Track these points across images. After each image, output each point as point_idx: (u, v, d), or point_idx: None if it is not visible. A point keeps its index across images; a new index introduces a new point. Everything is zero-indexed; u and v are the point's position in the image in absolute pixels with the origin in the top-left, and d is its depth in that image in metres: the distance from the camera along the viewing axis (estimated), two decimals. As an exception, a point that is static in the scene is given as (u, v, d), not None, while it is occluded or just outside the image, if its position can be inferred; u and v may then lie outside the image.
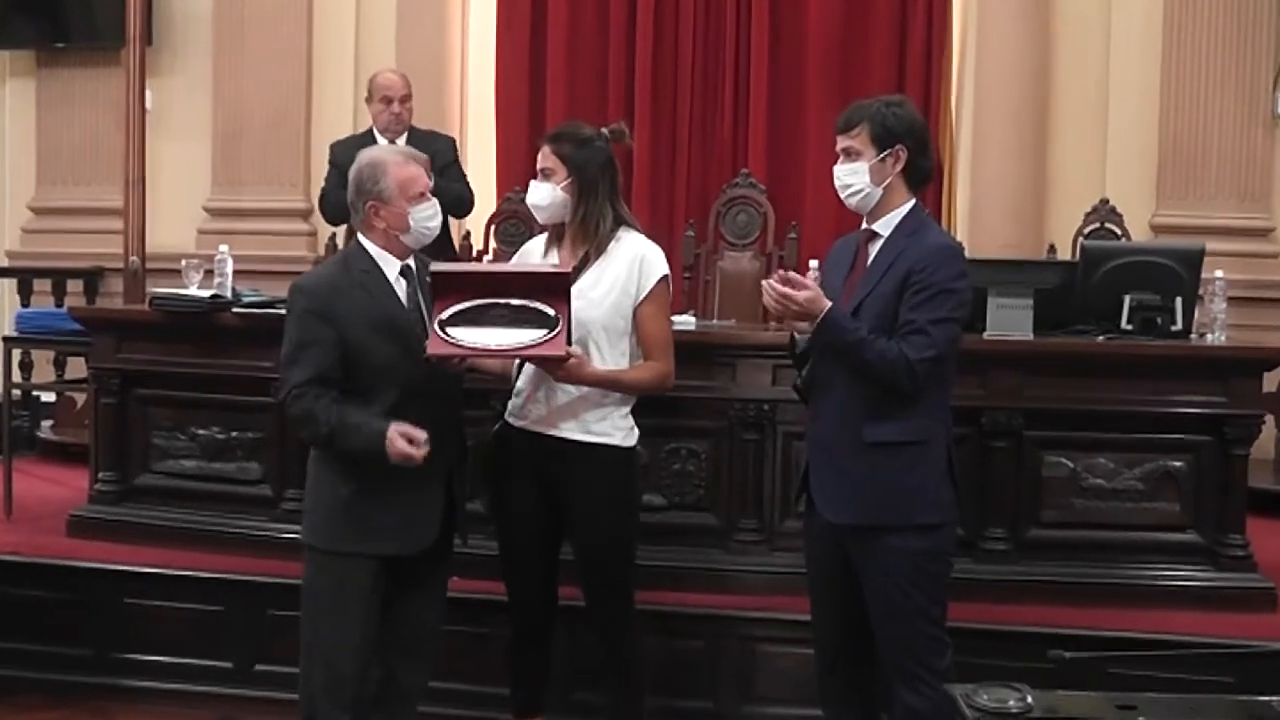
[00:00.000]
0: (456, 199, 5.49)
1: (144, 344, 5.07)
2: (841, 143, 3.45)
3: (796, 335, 3.54)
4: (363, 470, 3.47)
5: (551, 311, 3.44)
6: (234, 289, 5.01)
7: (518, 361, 3.67)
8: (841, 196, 3.48)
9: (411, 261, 3.63)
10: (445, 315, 3.45)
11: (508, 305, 3.45)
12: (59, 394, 7.03)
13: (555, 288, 3.48)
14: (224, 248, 5.12)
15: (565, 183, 3.68)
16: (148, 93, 6.79)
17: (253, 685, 4.66)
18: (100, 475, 5.16)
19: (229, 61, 7.58)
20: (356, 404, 3.47)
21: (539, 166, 3.72)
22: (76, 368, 6.60)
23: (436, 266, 3.55)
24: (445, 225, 5.45)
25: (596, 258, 3.67)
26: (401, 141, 5.47)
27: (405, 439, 3.39)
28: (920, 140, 3.45)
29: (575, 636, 4.14)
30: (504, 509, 3.78)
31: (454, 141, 5.92)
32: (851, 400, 3.39)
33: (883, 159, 3.40)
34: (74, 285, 7.53)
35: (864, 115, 3.42)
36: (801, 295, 3.31)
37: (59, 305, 7.17)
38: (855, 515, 3.39)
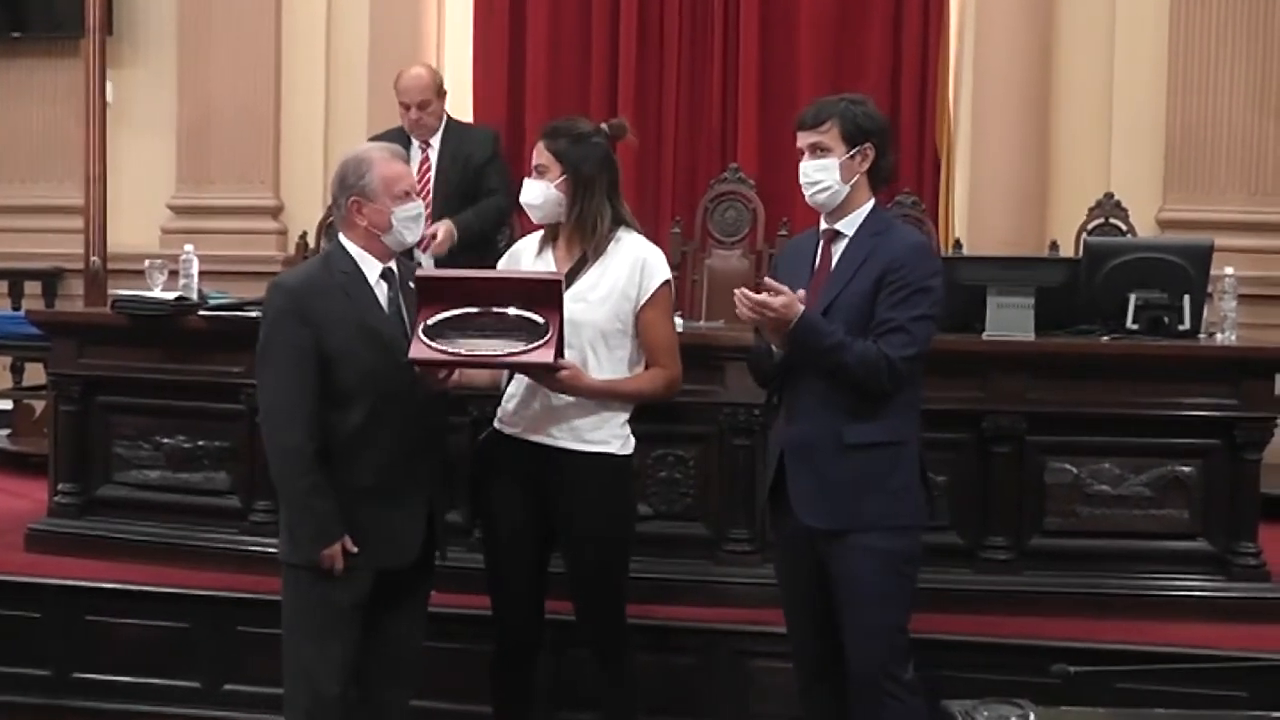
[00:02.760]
0: (495, 213, 5.41)
1: (106, 349, 5.00)
2: (809, 138, 3.48)
3: (775, 347, 3.49)
4: (342, 482, 3.43)
5: (541, 320, 3.37)
6: (200, 291, 4.96)
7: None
8: (808, 194, 3.50)
9: (394, 265, 3.58)
10: (430, 323, 3.38)
11: (495, 314, 3.38)
12: (16, 401, 6.94)
13: (547, 296, 3.40)
14: (189, 247, 5.05)
15: (559, 180, 3.63)
16: (109, 85, 6.66)
17: (222, 706, 4.59)
18: (60, 487, 5.07)
19: (194, 52, 7.49)
20: (335, 413, 3.42)
21: (533, 163, 3.67)
22: (35, 374, 6.58)
23: (421, 272, 3.51)
24: (493, 231, 5.45)
25: (595, 259, 3.62)
26: (436, 140, 5.45)
27: (340, 556, 3.42)
28: (885, 139, 3.49)
29: (560, 654, 4.12)
30: (491, 520, 3.73)
31: (495, 136, 5.74)
32: (830, 402, 3.40)
33: (852, 156, 3.44)
34: (32, 287, 7.51)
35: (833, 111, 3.46)
36: (778, 301, 3.31)
37: (16, 308, 7.12)
38: (836, 519, 3.39)
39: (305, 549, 3.42)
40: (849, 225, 3.47)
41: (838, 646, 3.47)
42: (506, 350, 3.36)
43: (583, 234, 3.62)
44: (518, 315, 3.37)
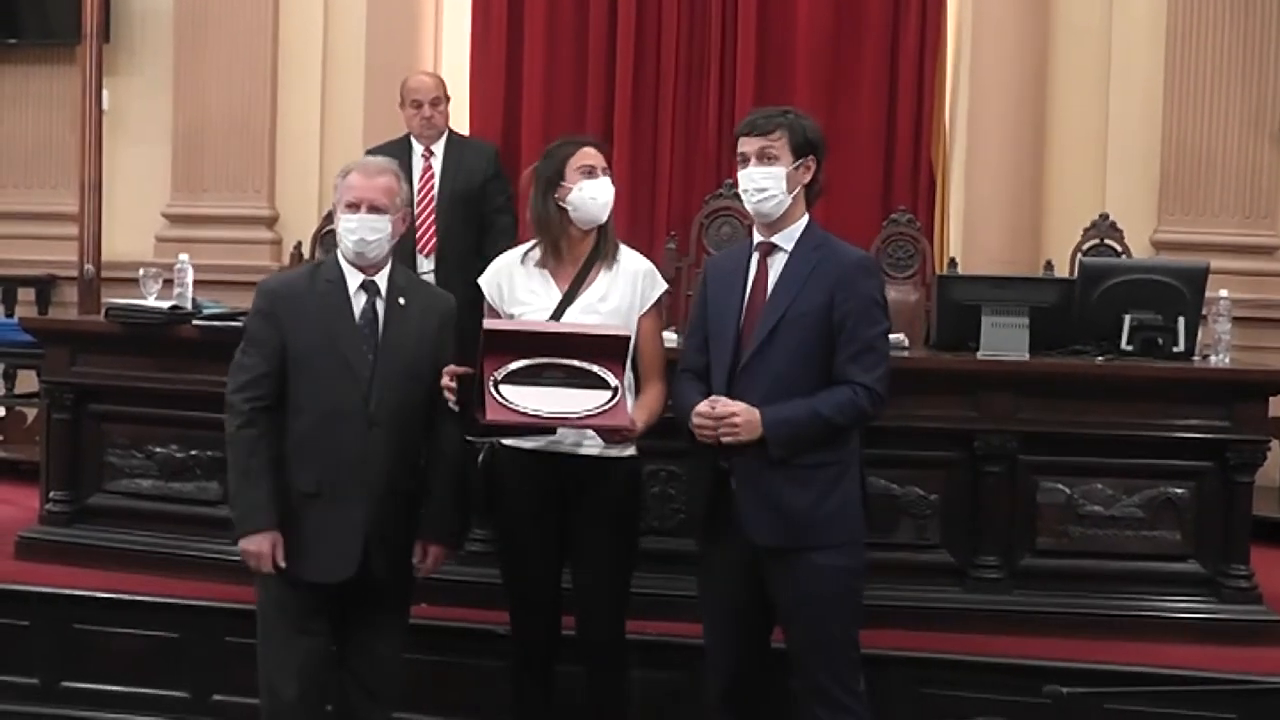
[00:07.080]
0: (507, 236, 5.31)
1: (99, 357, 4.99)
2: (757, 144, 3.43)
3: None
4: (293, 492, 3.49)
5: (611, 378, 3.44)
6: (194, 300, 4.96)
7: None
8: (751, 200, 3.45)
9: (380, 278, 3.58)
10: (499, 375, 3.42)
11: (564, 366, 3.44)
12: (9, 409, 6.95)
13: (612, 350, 3.47)
14: (184, 256, 5.05)
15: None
16: (105, 92, 6.74)
17: (210, 716, 4.56)
18: (51, 495, 5.05)
19: (190, 60, 7.45)
20: (288, 417, 3.50)
21: (597, 165, 3.67)
22: (27, 381, 6.60)
23: (489, 324, 3.52)
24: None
25: (604, 270, 3.65)
26: (439, 147, 5.43)
27: (267, 557, 3.46)
28: (822, 157, 3.50)
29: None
30: (511, 534, 3.75)
31: (496, 151, 5.74)
32: None
33: (796, 167, 3.43)
34: (25, 294, 7.48)
35: (781, 122, 3.45)
36: (740, 419, 3.31)
37: (9, 315, 7.11)
38: (790, 538, 3.37)
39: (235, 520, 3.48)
40: (787, 240, 3.45)
41: (758, 668, 3.50)
42: (582, 410, 3.42)
43: (608, 246, 3.66)
44: (585, 369, 3.43)
